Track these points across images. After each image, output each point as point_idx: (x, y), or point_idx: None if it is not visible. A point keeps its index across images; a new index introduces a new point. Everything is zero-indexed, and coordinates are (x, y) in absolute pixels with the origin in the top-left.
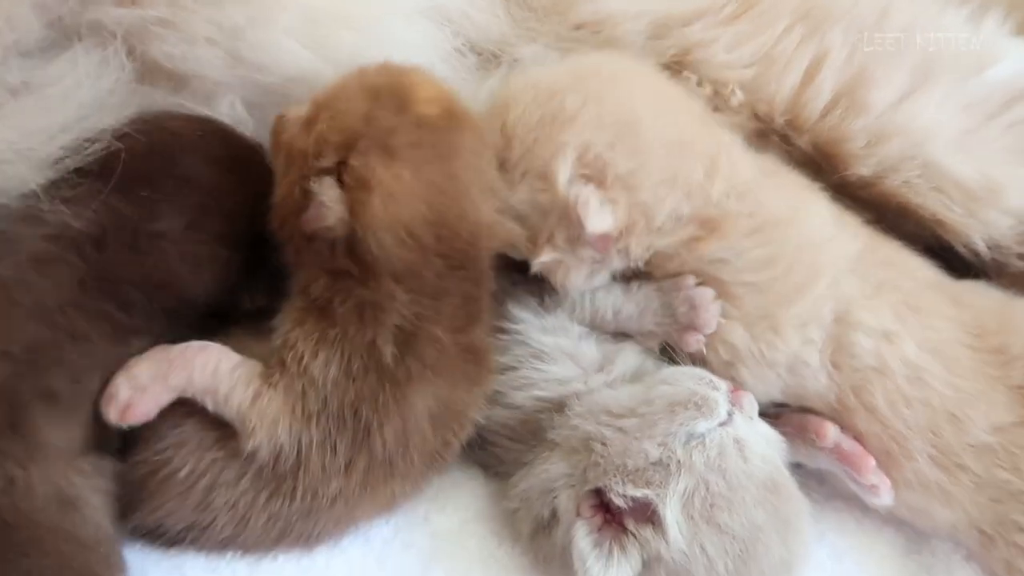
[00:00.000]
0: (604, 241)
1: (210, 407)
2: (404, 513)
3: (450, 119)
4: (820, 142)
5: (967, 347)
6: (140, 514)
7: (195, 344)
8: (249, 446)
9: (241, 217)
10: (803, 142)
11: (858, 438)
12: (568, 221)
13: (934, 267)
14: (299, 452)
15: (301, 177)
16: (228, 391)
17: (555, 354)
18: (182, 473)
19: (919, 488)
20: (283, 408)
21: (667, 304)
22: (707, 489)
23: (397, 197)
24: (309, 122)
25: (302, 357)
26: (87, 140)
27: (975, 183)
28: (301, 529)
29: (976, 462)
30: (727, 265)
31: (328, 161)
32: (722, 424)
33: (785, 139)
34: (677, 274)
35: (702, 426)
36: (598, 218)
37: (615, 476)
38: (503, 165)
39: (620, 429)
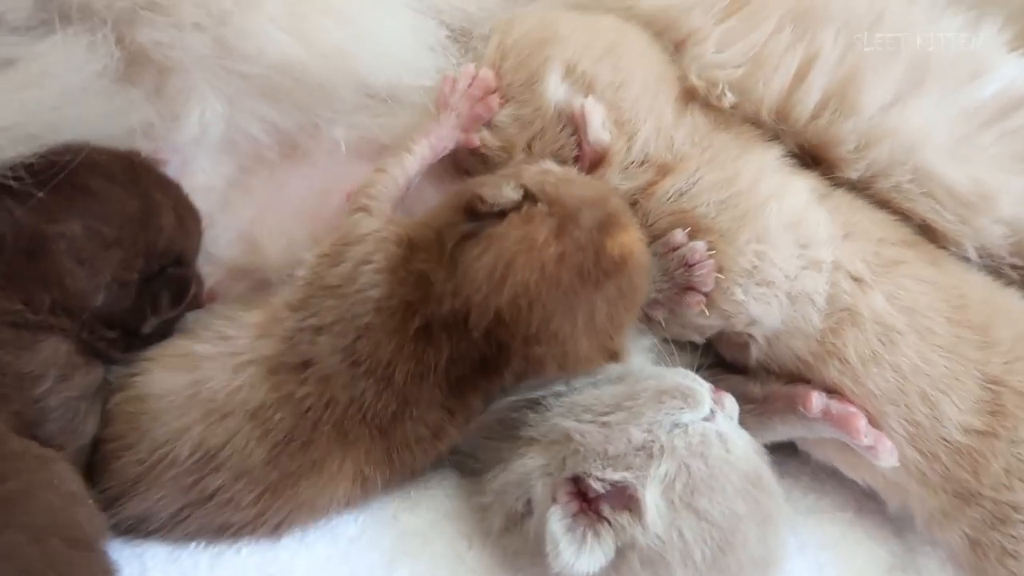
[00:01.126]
0: (597, 155)
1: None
2: (373, 511)
3: (620, 265)
4: (810, 145)
5: (945, 318)
6: (131, 504)
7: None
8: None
9: (139, 230)
10: (793, 146)
11: (832, 387)
12: (556, 134)
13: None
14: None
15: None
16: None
17: None
18: (184, 454)
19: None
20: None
21: (663, 268)
22: (689, 474)
23: (536, 255)
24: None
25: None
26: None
27: (967, 190)
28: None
29: (946, 456)
30: (684, 194)
31: (530, 183)
32: (706, 419)
33: (777, 140)
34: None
35: (687, 417)
36: (601, 130)
37: (595, 461)
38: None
39: (604, 424)
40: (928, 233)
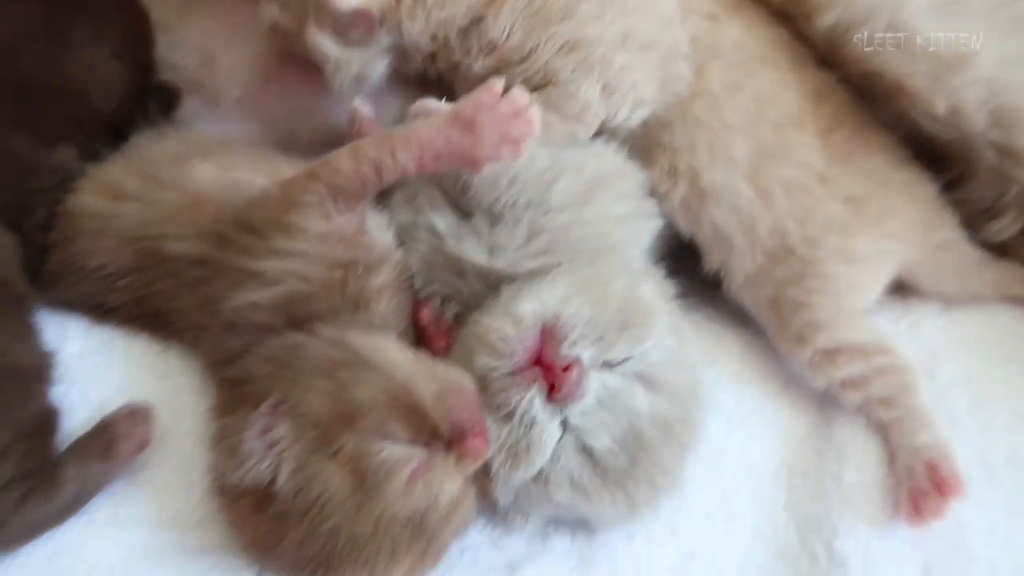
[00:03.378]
0: (363, 19)
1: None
2: None
3: None
4: None
5: (788, 60)
6: (57, 291)
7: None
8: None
9: (138, 44)
10: None
11: (694, 126)
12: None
13: None
14: None
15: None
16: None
17: None
18: (90, 267)
19: (728, 206)
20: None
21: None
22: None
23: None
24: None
25: None
26: None
27: (944, 46)
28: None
29: (782, 195)
30: (531, 9)
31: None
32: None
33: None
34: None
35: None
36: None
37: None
38: None
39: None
40: (897, 96)
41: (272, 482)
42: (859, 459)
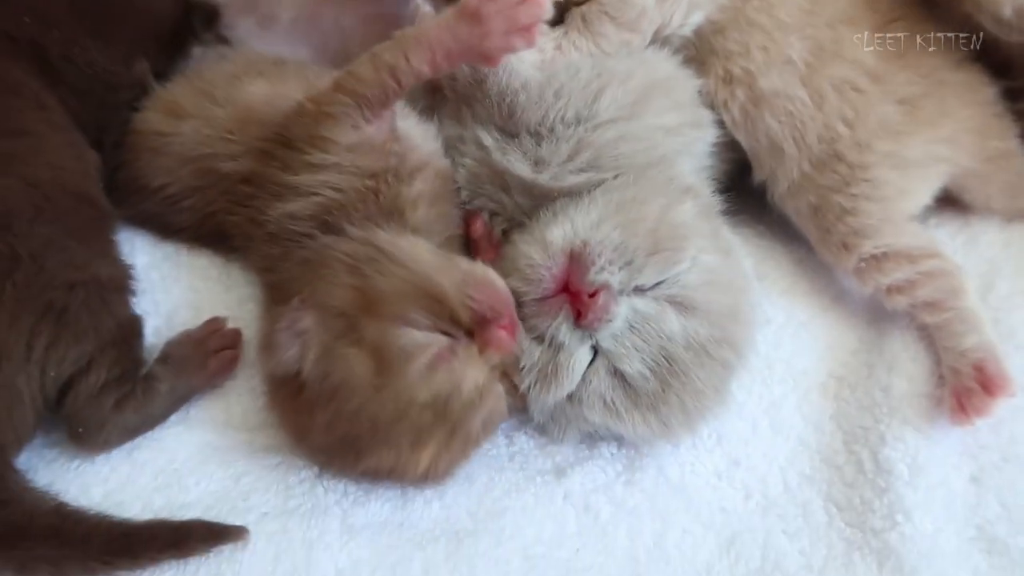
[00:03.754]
0: None
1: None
2: None
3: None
4: None
5: None
6: (124, 208)
7: None
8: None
9: None
10: None
11: (748, 28)
12: None
13: None
14: None
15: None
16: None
17: None
18: (152, 186)
19: (782, 112)
20: None
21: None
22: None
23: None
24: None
25: None
26: None
27: None
28: None
29: (834, 95)
30: None
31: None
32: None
33: None
34: None
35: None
36: None
37: None
38: None
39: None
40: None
41: (301, 369)
42: (910, 370)
